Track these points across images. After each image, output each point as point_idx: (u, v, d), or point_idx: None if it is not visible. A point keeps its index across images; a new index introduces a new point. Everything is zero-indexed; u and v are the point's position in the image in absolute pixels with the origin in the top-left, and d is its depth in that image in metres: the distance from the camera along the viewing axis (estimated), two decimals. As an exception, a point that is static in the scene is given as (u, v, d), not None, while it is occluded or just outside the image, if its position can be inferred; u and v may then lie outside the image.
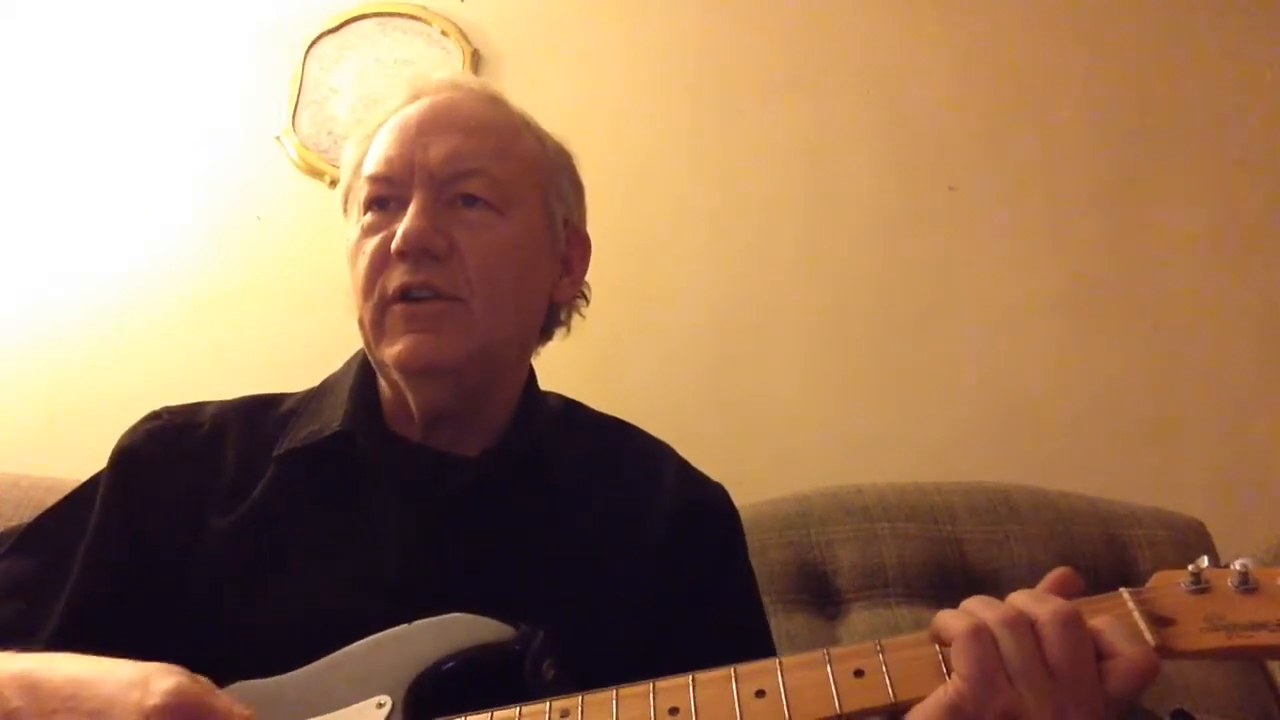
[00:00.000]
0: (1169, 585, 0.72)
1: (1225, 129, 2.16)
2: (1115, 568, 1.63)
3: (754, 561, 1.15)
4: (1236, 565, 0.71)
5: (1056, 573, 0.75)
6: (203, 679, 0.75)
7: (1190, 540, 1.67)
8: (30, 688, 0.73)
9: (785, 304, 2.08)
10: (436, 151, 0.99)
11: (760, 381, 2.04)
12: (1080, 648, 0.68)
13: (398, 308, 0.97)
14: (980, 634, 0.68)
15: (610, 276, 1.19)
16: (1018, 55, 2.20)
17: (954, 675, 0.68)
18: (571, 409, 1.16)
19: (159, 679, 0.72)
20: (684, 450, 1.14)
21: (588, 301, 1.16)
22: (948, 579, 1.62)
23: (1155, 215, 2.12)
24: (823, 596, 1.65)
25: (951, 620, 0.71)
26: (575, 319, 1.16)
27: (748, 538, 1.15)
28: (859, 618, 1.62)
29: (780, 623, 1.58)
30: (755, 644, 1.04)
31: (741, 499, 1.15)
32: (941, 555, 1.65)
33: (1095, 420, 2.02)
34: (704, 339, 2.06)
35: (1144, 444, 2.00)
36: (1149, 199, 2.13)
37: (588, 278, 1.15)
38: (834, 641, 1.59)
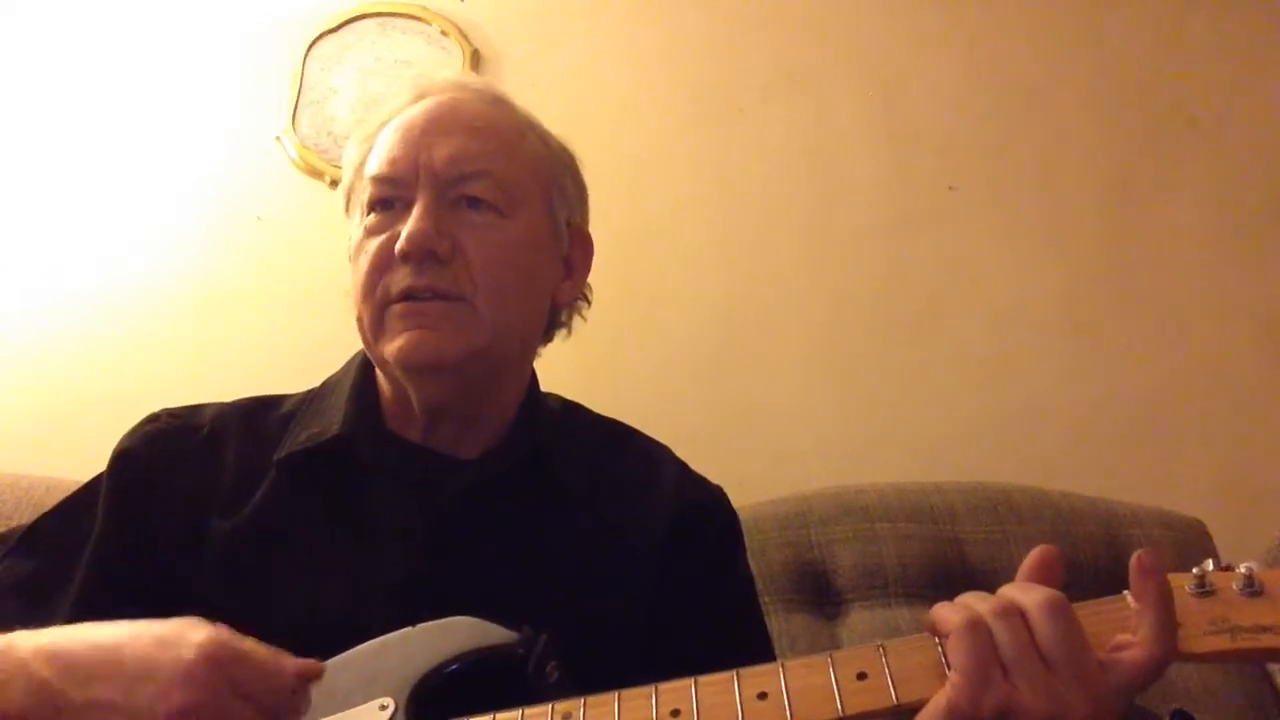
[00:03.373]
0: (1173, 588, 0.71)
1: (1225, 129, 2.16)
2: (1115, 568, 1.63)
3: (754, 561, 1.15)
4: (1241, 568, 0.71)
5: (1037, 551, 0.75)
6: (225, 627, 0.76)
7: (1190, 540, 1.68)
8: (57, 657, 0.74)
9: (785, 304, 2.08)
10: (441, 152, 0.99)
11: (760, 382, 2.04)
12: (1070, 633, 0.68)
13: (397, 307, 0.97)
14: (976, 627, 0.69)
15: (610, 276, 1.18)
16: (1018, 55, 2.20)
17: (952, 671, 0.68)
18: (570, 410, 1.16)
19: (191, 632, 0.73)
20: (684, 450, 1.14)
21: (589, 303, 1.16)
22: (948, 579, 1.62)
23: (1155, 215, 2.12)
24: (822, 596, 1.65)
25: (947, 613, 0.71)
26: (576, 320, 1.15)
27: (748, 538, 1.15)
28: (859, 618, 1.62)
29: (780, 623, 1.58)
30: (754, 646, 1.03)
31: (741, 499, 1.15)
32: (941, 555, 1.65)
33: (1095, 420, 2.02)
34: (704, 339, 2.06)
35: (1144, 444, 2.00)
36: (1149, 199, 2.13)
37: (589, 277, 1.15)
38: (834, 642, 1.59)
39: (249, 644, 0.75)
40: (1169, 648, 0.69)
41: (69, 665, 0.73)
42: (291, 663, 0.79)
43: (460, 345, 0.97)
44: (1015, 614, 0.69)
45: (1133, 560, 0.71)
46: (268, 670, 0.75)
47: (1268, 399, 2.02)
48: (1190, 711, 1.32)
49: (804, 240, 2.11)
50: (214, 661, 0.71)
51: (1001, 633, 0.68)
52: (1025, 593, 0.71)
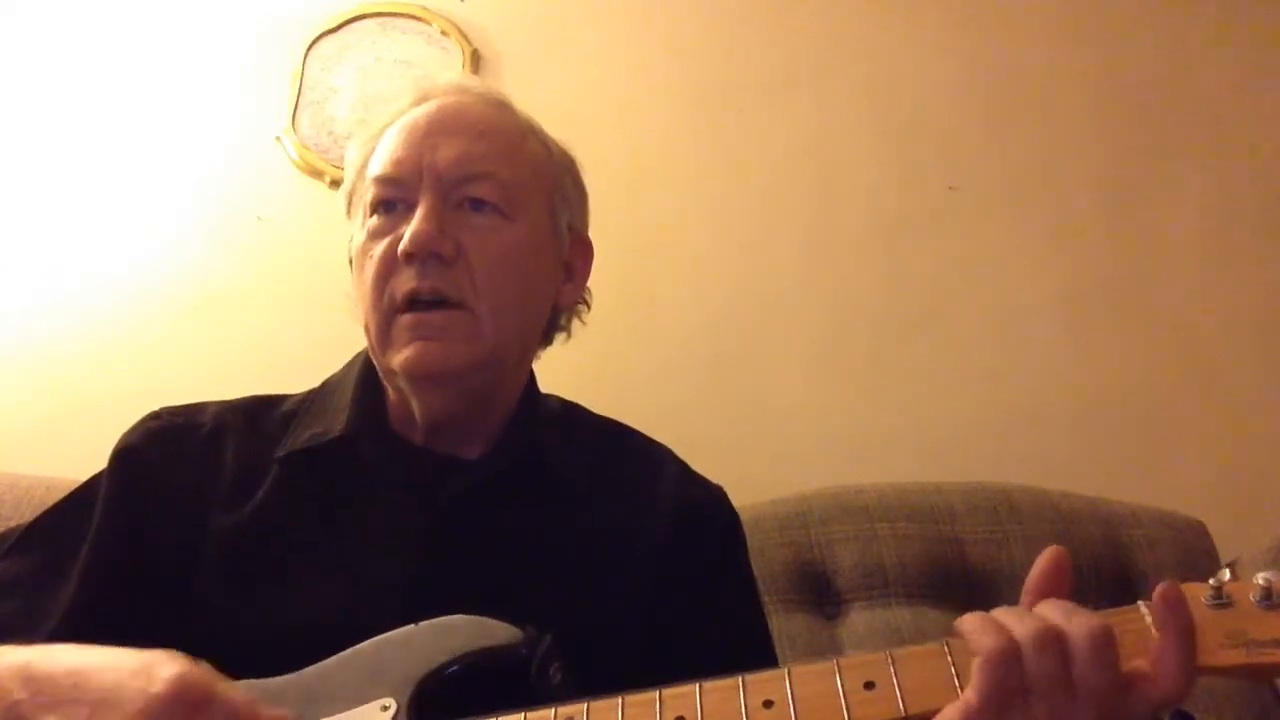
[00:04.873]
0: (1189, 599, 0.70)
1: (1226, 130, 2.16)
2: (1116, 568, 1.63)
3: (754, 561, 1.15)
4: (1259, 580, 0.69)
5: (1049, 553, 0.74)
6: (205, 665, 0.75)
7: (1190, 540, 1.67)
8: (31, 679, 0.73)
9: (785, 304, 2.08)
10: (445, 154, 0.99)
11: (760, 382, 2.04)
12: (1110, 668, 0.66)
13: (405, 318, 0.97)
14: (1008, 658, 0.66)
15: (610, 277, 1.19)
16: (1018, 55, 2.20)
17: (969, 690, 0.67)
18: (571, 411, 1.16)
19: (162, 666, 0.72)
20: (684, 450, 1.14)
21: (589, 307, 1.16)
22: (948, 579, 1.62)
23: (1155, 215, 2.12)
24: (822, 597, 1.65)
25: (981, 635, 0.68)
26: (575, 323, 1.16)
27: (748, 538, 1.15)
28: (859, 618, 1.62)
29: (780, 623, 1.57)
30: (755, 646, 1.04)
31: (741, 499, 1.15)
32: (941, 555, 1.64)
33: (1095, 420, 2.02)
34: (705, 339, 2.06)
35: (1144, 444, 2.00)
36: (1149, 199, 2.13)
37: (589, 280, 1.15)
38: (834, 642, 1.59)
39: (224, 686, 0.73)
40: (1186, 684, 0.67)
41: (40, 688, 0.72)
42: (267, 714, 0.76)
43: (464, 355, 0.97)
44: (1054, 642, 0.67)
45: (1157, 592, 0.69)
46: (237, 716, 0.73)
47: (1268, 399, 2.02)
48: (1190, 711, 1.32)
49: (804, 241, 2.11)
50: (180, 699, 0.70)
51: (1035, 662, 0.66)
52: (1069, 618, 0.68)
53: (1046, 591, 0.73)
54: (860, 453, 1.99)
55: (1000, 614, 0.70)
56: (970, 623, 0.70)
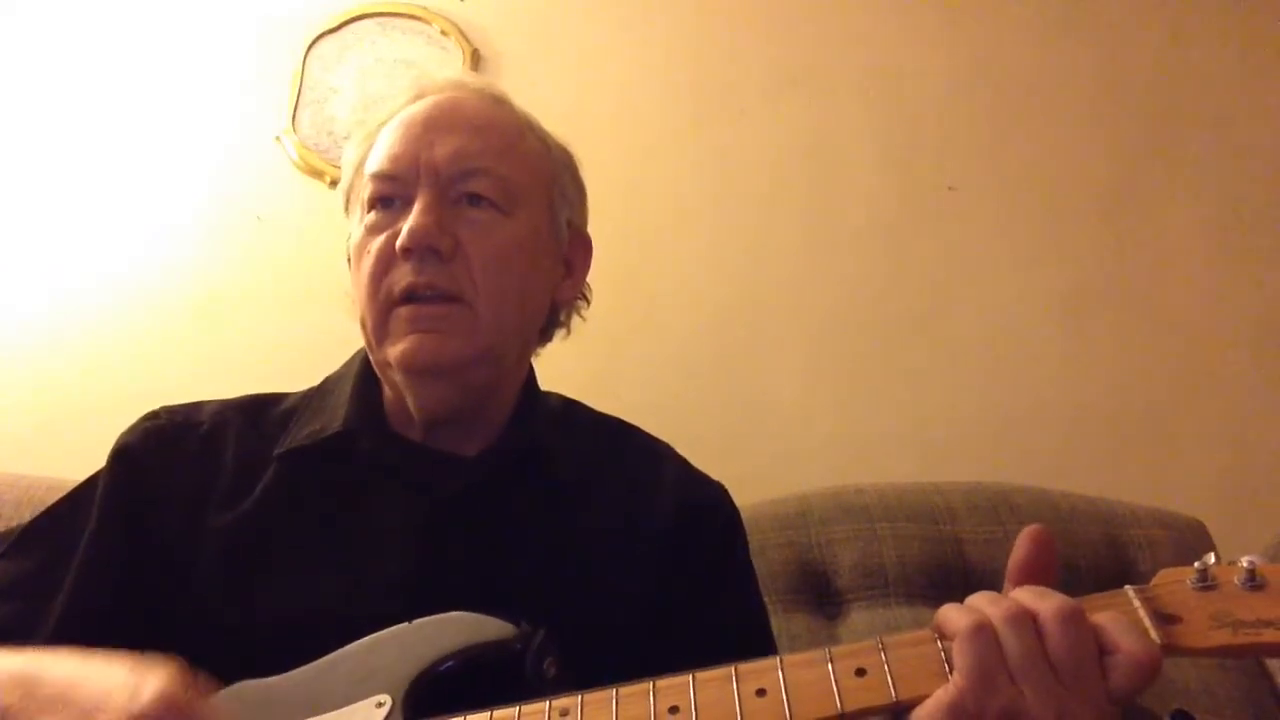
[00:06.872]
0: (1175, 582, 0.71)
1: (1225, 130, 2.15)
2: (1115, 568, 1.63)
3: (754, 561, 1.14)
4: (1244, 562, 0.70)
5: (1029, 532, 0.75)
6: (199, 683, 0.74)
7: (1190, 540, 1.67)
8: (23, 685, 0.73)
9: (785, 304, 2.08)
10: (443, 150, 0.99)
11: (760, 381, 2.04)
12: (1082, 644, 0.67)
13: (402, 310, 0.97)
14: (982, 631, 0.68)
15: (610, 276, 1.19)
16: (1018, 55, 2.20)
17: (955, 673, 0.68)
18: (571, 408, 1.16)
19: (150, 682, 0.72)
20: (684, 450, 1.15)
21: (588, 303, 1.16)
22: (948, 579, 1.62)
23: (1155, 216, 2.12)
24: (823, 596, 1.65)
25: (954, 615, 0.70)
26: (575, 320, 1.16)
27: (748, 538, 1.15)
28: (859, 618, 1.61)
29: (780, 623, 1.57)
30: (756, 642, 1.04)
31: (741, 499, 1.15)
32: (941, 555, 1.64)
33: (1095, 420, 2.01)
34: (704, 339, 2.06)
35: (1144, 444, 2.00)
36: (1149, 199, 2.13)
37: (588, 277, 1.15)
38: (834, 642, 1.57)
39: (210, 708, 0.73)
40: (1147, 645, 0.67)
41: (30, 693, 0.73)
42: None
43: (461, 349, 0.97)
44: (1027, 621, 0.68)
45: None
46: None
47: (1268, 399, 2.01)
48: (1190, 711, 1.31)
49: (804, 240, 2.11)
50: (160, 715, 0.70)
51: (1011, 639, 0.67)
52: (1040, 599, 0.69)
53: (1030, 576, 0.73)
54: (860, 453, 1.99)
55: (974, 599, 0.72)
56: (947, 610, 0.72)
